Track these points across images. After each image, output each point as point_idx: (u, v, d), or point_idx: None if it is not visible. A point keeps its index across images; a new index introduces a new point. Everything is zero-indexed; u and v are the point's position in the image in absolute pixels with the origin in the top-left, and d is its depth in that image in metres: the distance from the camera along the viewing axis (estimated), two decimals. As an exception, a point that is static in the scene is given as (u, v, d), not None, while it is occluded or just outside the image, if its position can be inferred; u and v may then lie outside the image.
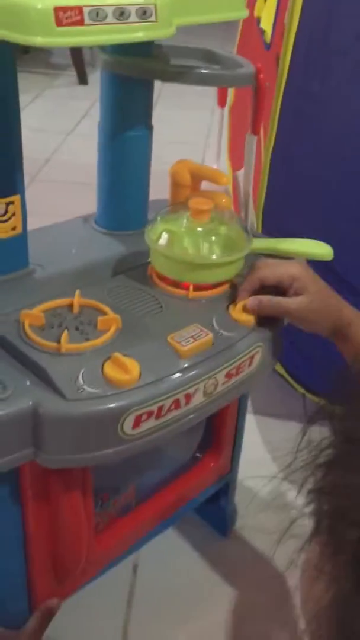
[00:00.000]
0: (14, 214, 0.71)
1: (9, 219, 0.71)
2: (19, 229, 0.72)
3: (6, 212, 0.71)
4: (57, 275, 0.76)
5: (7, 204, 0.70)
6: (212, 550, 1.04)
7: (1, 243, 0.72)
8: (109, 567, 0.84)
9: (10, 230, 0.72)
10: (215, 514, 1.05)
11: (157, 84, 0.79)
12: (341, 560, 0.37)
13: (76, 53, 3.03)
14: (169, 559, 1.02)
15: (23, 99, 0.67)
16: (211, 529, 1.07)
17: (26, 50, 3.14)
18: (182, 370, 0.66)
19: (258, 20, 1.51)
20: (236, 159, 1.30)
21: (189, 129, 2.51)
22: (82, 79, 3.08)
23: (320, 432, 0.43)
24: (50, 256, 0.79)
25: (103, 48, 0.78)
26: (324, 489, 0.39)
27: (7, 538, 0.70)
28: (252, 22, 1.60)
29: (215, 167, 0.99)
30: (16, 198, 0.71)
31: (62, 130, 2.58)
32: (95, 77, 2.97)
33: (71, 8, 0.54)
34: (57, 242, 0.84)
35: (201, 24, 0.67)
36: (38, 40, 0.53)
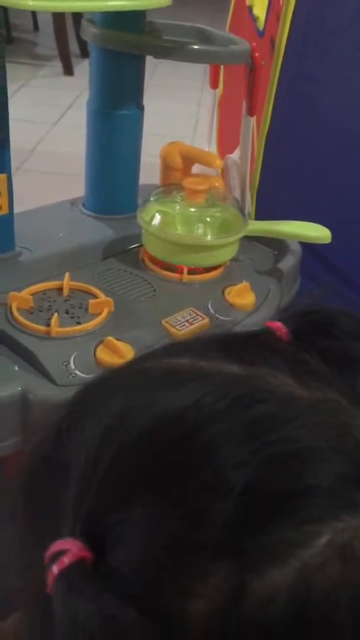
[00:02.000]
0: (-1, 193, 0.68)
1: (-5, 198, 0.68)
2: (5, 209, 0.69)
3: (-8, 190, 0.68)
4: (45, 258, 0.73)
5: (-7, 183, 0.67)
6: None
7: (-13, 223, 0.68)
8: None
9: (-4, 209, 0.69)
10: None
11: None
12: None
13: (62, 43, 2.98)
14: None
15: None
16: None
17: (10, 40, 3.08)
18: (178, 356, 0.63)
19: (250, 9, 1.49)
20: (223, 148, 1.29)
21: (175, 122, 2.47)
22: (68, 70, 3.04)
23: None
24: (37, 239, 0.75)
25: (92, 21, 0.74)
26: None
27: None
28: (243, 10, 1.57)
29: (207, 149, 0.97)
30: (2, 177, 0.68)
31: (47, 121, 2.54)
32: (81, 68, 2.92)
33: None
34: (44, 225, 0.81)
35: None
36: (29, 3, 0.54)
